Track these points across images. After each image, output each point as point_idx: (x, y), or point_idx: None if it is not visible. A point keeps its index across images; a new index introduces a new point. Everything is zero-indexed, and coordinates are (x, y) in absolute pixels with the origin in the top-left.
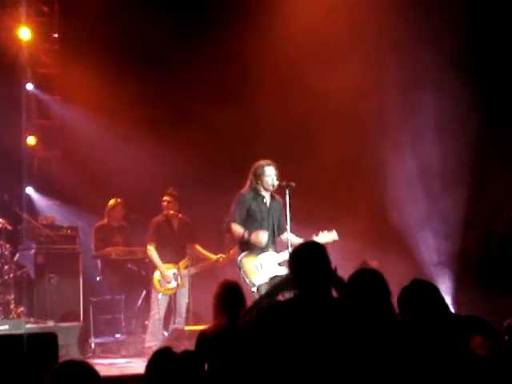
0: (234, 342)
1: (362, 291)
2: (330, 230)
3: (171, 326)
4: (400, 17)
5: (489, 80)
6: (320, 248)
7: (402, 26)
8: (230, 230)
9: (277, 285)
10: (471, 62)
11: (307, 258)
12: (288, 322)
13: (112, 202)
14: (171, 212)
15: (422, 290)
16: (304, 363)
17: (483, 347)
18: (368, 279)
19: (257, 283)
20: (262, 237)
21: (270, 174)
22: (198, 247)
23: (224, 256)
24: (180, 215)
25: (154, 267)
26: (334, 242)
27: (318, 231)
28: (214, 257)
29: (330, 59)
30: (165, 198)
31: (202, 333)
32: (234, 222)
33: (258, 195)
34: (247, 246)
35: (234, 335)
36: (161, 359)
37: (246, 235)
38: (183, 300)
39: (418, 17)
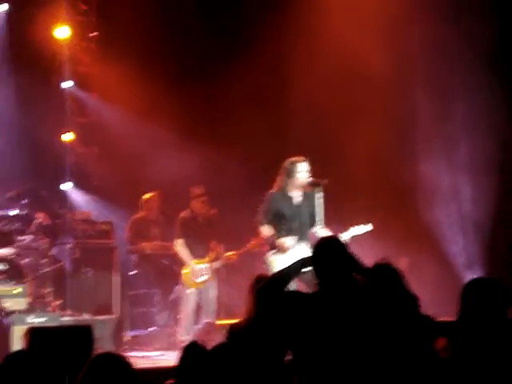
0: (261, 332)
1: (377, 285)
2: (365, 223)
3: (203, 320)
4: (433, 16)
5: None
6: (338, 243)
7: (435, 25)
8: (259, 230)
9: (295, 264)
10: (502, 61)
11: (326, 253)
12: (306, 317)
13: (148, 195)
14: (203, 210)
15: (486, 288)
16: (323, 358)
17: (447, 350)
18: (381, 274)
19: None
20: (288, 244)
21: (303, 170)
22: (214, 244)
23: (235, 253)
24: (207, 209)
25: (182, 263)
26: (367, 232)
27: (352, 225)
28: (226, 254)
29: (362, 58)
30: (201, 198)
31: (232, 326)
32: (262, 223)
33: (286, 195)
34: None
35: (261, 325)
36: (191, 353)
37: (272, 239)
38: (212, 294)
39: (450, 16)
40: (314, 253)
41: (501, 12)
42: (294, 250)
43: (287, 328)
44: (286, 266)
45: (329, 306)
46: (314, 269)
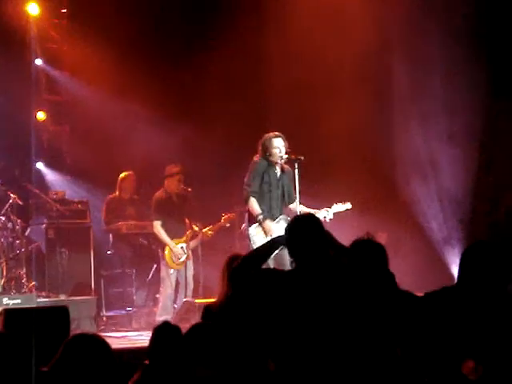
0: (236, 310)
1: (359, 260)
2: (343, 202)
3: (181, 299)
4: None
5: (498, 55)
6: (314, 220)
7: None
8: (247, 201)
9: (269, 243)
10: (480, 37)
11: (301, 231)
12: (283, 294)
13: (123, 174)
14: (178, 189)
15: (486, 252)
16: (300, 335)
17: (476, 372)
18: (365, 249)
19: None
20: (273, 229)
21: (278, 146)
22: (190, 223)
23: (210, 229)
24: (181, 188)
25: (162, 243)
26: (347, 210)
27: (332, 204)
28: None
29: (338, 35)
30: (177, 177)
31: (207, 306)
32: (252, 194)
33: (269, 164)
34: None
35: (236, 304)
36: (163, 333)
37: (259, 218)
38: (190, 273)
39: None
40: (290, 230)
41: None
42: (274, 227)
43: (263, 306)
44: (260, 244)
45: (306, 283)
46: (290, 246)
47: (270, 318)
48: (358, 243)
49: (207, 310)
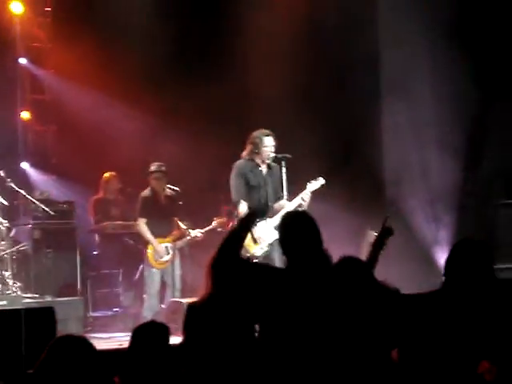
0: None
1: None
2: (315, 178)
3: (168, 299)
4: None
5: (485, 52)
6: (307, 217)
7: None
8: (237, 207)
9: (240, 223)
10: (465, 35)
11: (295, 228)
12: (277, 292)
13: (107, 175)
14: (160, 187)
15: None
16: (291, 334)
17: (491, 372)
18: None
19: (258, 254)
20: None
21: (268, 145)
22: (179, 222)
23: (202, 232)
24: (167, 187)
25: (146, 242)
26: (323, 186)
27: (303, 187)
28: (192, 233)
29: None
30: (154, 175)
31: (190, 305)
32: (239, 198)
33: (253, 165)
34: None
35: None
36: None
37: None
38: (177, 272)
39: None
40: (283, 228)
41: None
42: (260, 225)
43: (254, 302)
44: (232, 227)
45: (300, 282)
46: (283, 244)
47: (261, 315)
48: (342, 261)
49: (190, 308)
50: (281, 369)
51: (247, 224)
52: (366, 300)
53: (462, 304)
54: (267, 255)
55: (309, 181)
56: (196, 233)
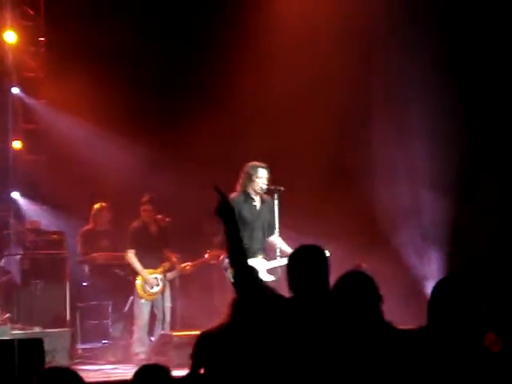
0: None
1: (350, 294)
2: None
3: (158, 332)
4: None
5: (473, 86)
6: (320, 253)
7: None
8: (224, 238)
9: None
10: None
11: (306, 262)
12: (283, 323)
13: (97, 206)
14: (151, 218)
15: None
16: (293, 366)
17: (497, 343)
18: (357, 282)
19: None
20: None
21: (263, 177)
22: (169, 254)
23: (190, 264)
24: (159, 217)
25: (136, 273)
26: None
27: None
28: (182, 265)
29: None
30: (145, 206)
31: (204, 333)
32: None
33: (248, 198)
34: None
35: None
36: (146, 375)
37: None
38: (167, 304)
39: (403, 21)
40: (294, 261)
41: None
42: (253, 261)
43: (264, 332)
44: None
45: (306, 314)
46: (290, 276)
47: (270, 347)
48: (349, 275)
49: (204, 336)
50: None
51: (227, 217)
52: (367, 335)
53: (445, 345)
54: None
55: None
56: (186, 265)
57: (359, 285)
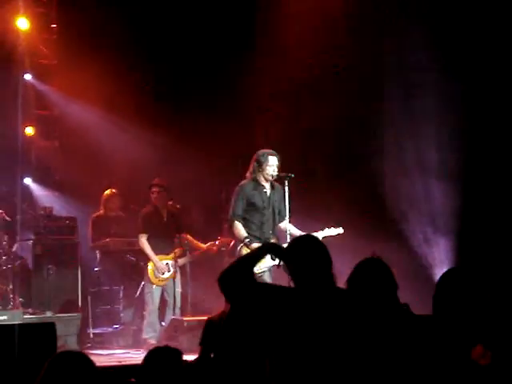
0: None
1: (367, 282)
2: (335, 226)
3: (169, 317)
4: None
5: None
6: (319, 242)
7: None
8: (231, 226)
9: (259, 249)
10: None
11: (306, 252)
12: (285, 312)
13: (107, 192)
14: (161, 203)
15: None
16: (301, 355)
17: (485, 357)
18: (374, 269)
19: (256, 271)
20: None
21: (273, 164)
22: (188, 236)
23: (216, 244)
24: (170, 204)
25: (148, 259)
26: (338, 235)
27: (324, 227)
28: (203, 246)
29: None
30: (153, 189)
31: (210, 320)
32: (236, 218)
33: (258, 185)
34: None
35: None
36: (157, 358)
37: (246, 242)
38: (177, 290)
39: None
40: (293, 250)
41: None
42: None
43: (264, 322)
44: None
45: (309, 303)
46: (291, 267)
47: (271, 335)
48: (364, 263)
49: (209, 323)
50: None
51: (261, 254)
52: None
53: (448, 335)
54: (260, 276)
55: (329, 225)
56: (209, 244)
57: (376, 272)
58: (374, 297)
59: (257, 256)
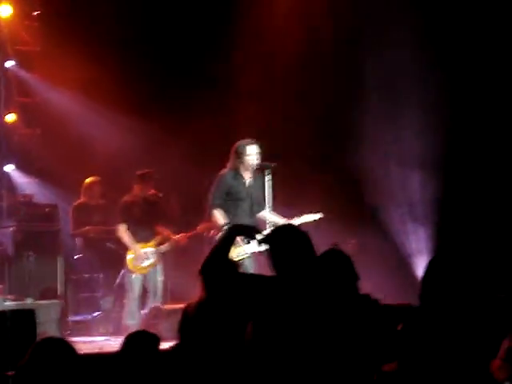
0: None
1: (328, 272)
2: (314, 212)
3: (149, 305)
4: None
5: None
6: (300, 232)
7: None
8: (210, 214)
9: (228, 232)
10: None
11: (286, 242)
12: (265, 301)
13: (89, 180)
14: (144, 191)
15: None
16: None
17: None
18: (334, 260)
19: (237, 258)
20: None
21: (252, 153)
22: (161, 227)
23: (184, 235)
24: (152, 192)
25: (126, 247)
26: (317, 220)
27: (301, 213)
28: (174, 237)
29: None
30: (139, 179)
31: (186, 308)
32: (215, 206)
33: (238, 175)
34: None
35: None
36: (135, 342)
37: (225, 229)
38: (158, 278)
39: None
40: (274, 240)
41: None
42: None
43: (245, 309)
44: (220, 236)
45: (289, 292)
46: (272, 257)
47: (249, 319)
48: (327, 253)
49: (185, 311)
50: (271, 374)
51: (230, 238)
52: (350, 308)
53: (441, 322)
54: (241, 263)
55: (307, 212)
56: (179, 236)
57: (336, 264)
58: (333, 287)
59: (226, 241)
